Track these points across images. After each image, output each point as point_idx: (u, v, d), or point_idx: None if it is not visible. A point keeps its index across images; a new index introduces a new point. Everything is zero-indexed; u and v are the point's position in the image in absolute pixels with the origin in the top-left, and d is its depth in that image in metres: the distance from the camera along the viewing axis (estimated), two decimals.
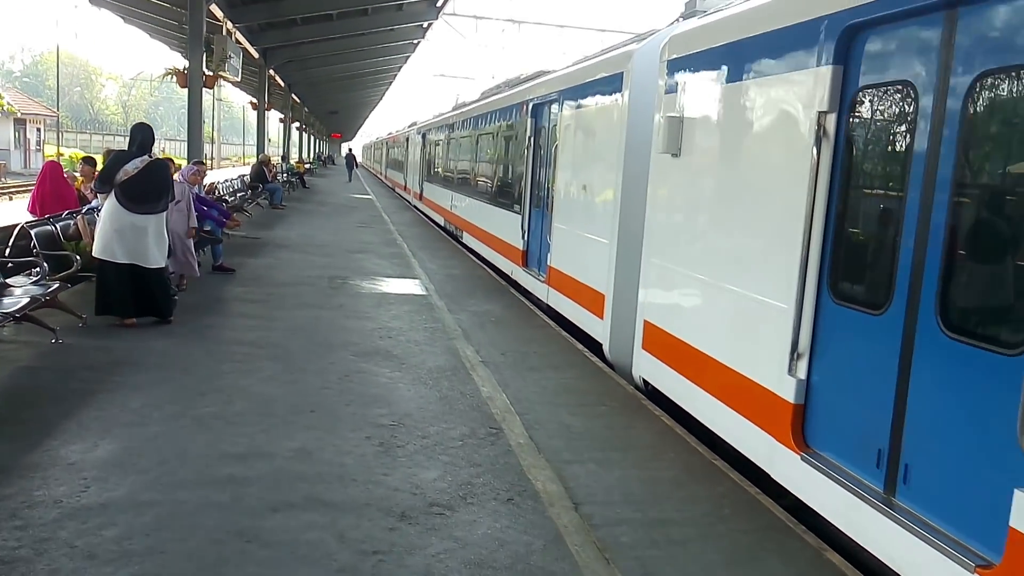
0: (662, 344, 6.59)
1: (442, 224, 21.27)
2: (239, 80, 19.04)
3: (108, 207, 7.62)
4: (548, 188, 10.99)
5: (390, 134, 59.36)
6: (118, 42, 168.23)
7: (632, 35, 9.76)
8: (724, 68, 5.72)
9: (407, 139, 34.55)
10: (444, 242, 17.83)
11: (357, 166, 54.39)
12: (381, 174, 57.34)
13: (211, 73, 15.43)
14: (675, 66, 6.58)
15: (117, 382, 6.00)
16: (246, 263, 12.26)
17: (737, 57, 5.56)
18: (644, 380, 7.05)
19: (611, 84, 8.32)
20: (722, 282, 5.58)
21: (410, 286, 11.32)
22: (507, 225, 13.08)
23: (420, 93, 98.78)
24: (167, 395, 5.76)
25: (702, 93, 6.08)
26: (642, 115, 7.75)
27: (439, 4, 24.40)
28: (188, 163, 11.67)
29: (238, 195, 19.77)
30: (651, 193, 6.98)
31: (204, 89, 15.36)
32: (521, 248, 12.08)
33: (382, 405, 5.88)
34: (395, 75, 42.99)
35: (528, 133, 11.92)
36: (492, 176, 14.75)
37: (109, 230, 7.57)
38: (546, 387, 6.69)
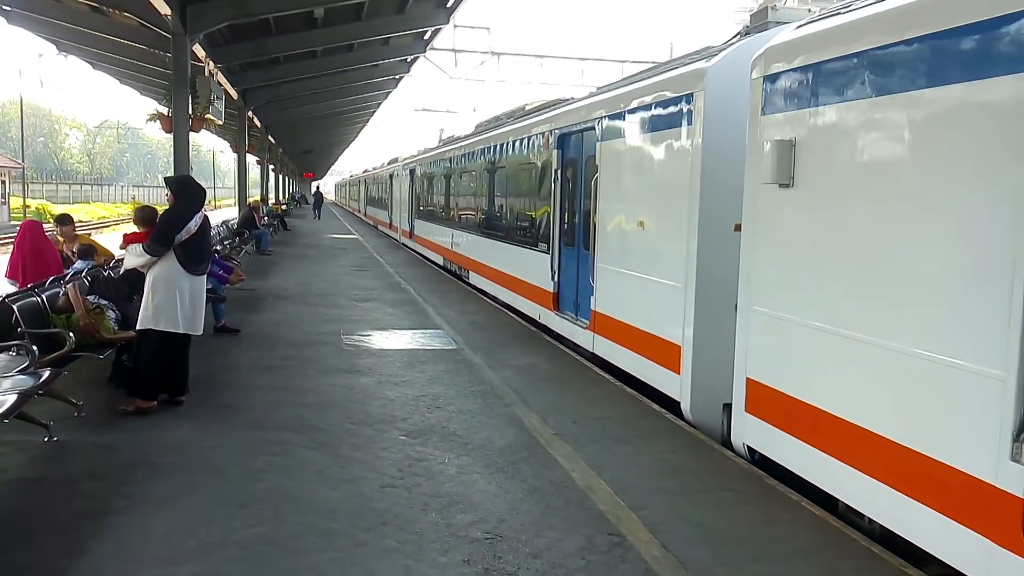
0: (780, 408, 5.55)
1: (441, 263, 20.21)
2: (222, 123, 17.95)
3: (164, 271, 6.64)
4: (585, 225, 9.99)
5: (367, 171, 58.50)
6: (82, 90, 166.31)
7: (672, 60, 8.84)
8: (864, 79, 4.75)
9: (391, 175, 33.54)
10: (450, 283, 16.75)
11: (323, 203, 54.71)
12: (359, 212, 56.23)
13: (197, 116, 14.33)
14: (778, 81, 5.62)
15: (132, 495, 4.83)
16: (249, 320, 11.09)
17: (884, 65, 4.60)
18: (749, 447, 6.01)
19: (675, 106, 7.36)
20: (883, 339, 4.56)
21: (436, 339, 10.21)
22: (530, 265, 12.05)
23: (397, 129, 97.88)
24: (198, 511, 4.60)
25: (828, 111, 5.11)
26: (722, 140, 6.79)
27: (426, 38, 23.65)
28: None
29: (226, 243, 18.57)
30: (749, 231, 5.98)
31: (191, 133, 14.28)
32: (551, 291, 11.05)
33: (465, 508, 4.76)
34: (373, 112, 42.16)
35: (554, 165, 10.95)
36: (506, 212, 13.74)
37: (166, 296, 6.63)
38: (646, 466, 5.61)
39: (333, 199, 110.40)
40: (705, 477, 5.43)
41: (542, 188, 11.70)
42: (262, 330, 10.48)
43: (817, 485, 5.19)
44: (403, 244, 28.45)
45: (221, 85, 18.43)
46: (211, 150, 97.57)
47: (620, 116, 8.63)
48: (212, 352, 8.90)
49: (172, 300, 6.59)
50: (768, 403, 5.73)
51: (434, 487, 5.08)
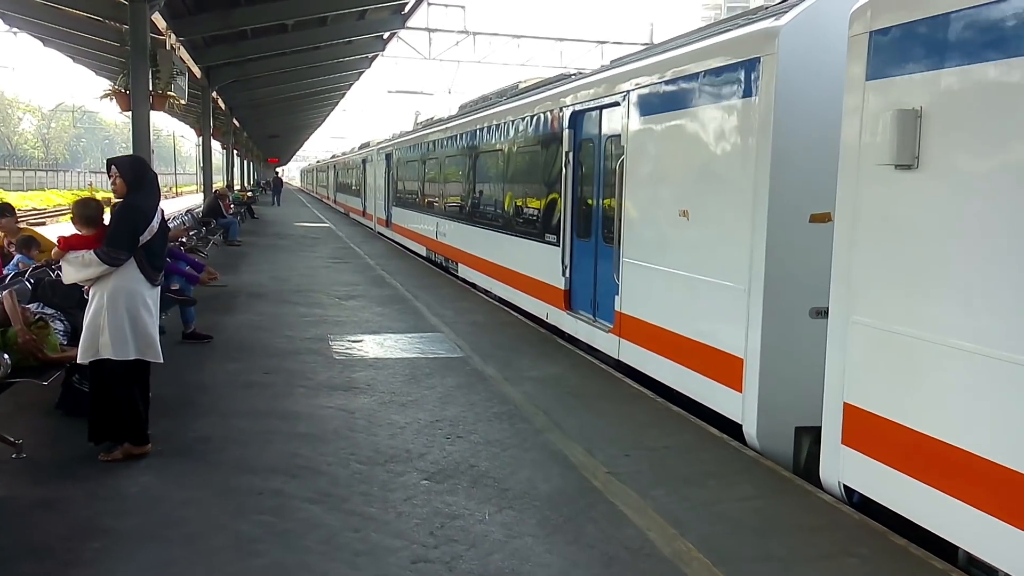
0: (896, 444, 4.48)
1: (424, 254, 18.97)
2: (185, 102, 16.48)
3: (123, 283, 5.25)
4: (605, 214, 8.86)
5: (335, 156, 56.79)
6: (34, 71, 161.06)
7: (727, 19, 7.69)
8: None
9: (364, 161, 32.10)
10: (438, 276, 15.54)
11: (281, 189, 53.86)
12: (327, 198, 54.56)
13: (159, 93, 12.91)
14: (894, 36, 4.51)
15: None
16: (222, 324, 9.81)
17: None
18: (846, 487, 4.95)
19: (734, 74, 6.24)
20: None
21: (437, 345, 9.02)
22: (535, 259, 10.90)
23: (367, 112, 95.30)
24: None
25: (974, 72, 4.01)
26: (799, 114, 5.70)
27: (404, 11, 22.29)
28: None
29: (191, 234, 17.13)
30: (847, 223, 4.89)
31: (152, 112, 12.87)
32: (562, 288, 9.91)
33: None
34: (344, 94, 40.56)
35: (565, 147, 9.78)
36: (503, 200, 12.55)
37: (129, 315, 5.25)
38: (737, 521, 4.51)
39: (299, 186, 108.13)
40: (815, 536, 4.34)
41: (549, 173, 10.54)
42: (238, 336, 9.21)
43: (955, 543, 4.14)
44: (379, 233, 27.11)
45: (184, 61, 16.96)
46: (171, 134, 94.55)
47: (656, 89, 7.48)
48: (181, 365, 7.63)
49: (137, 320, 5.28)
50: (877, 436, 4.66)
51: (481, 560, 3.93)
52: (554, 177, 10.36)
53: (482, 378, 7.57)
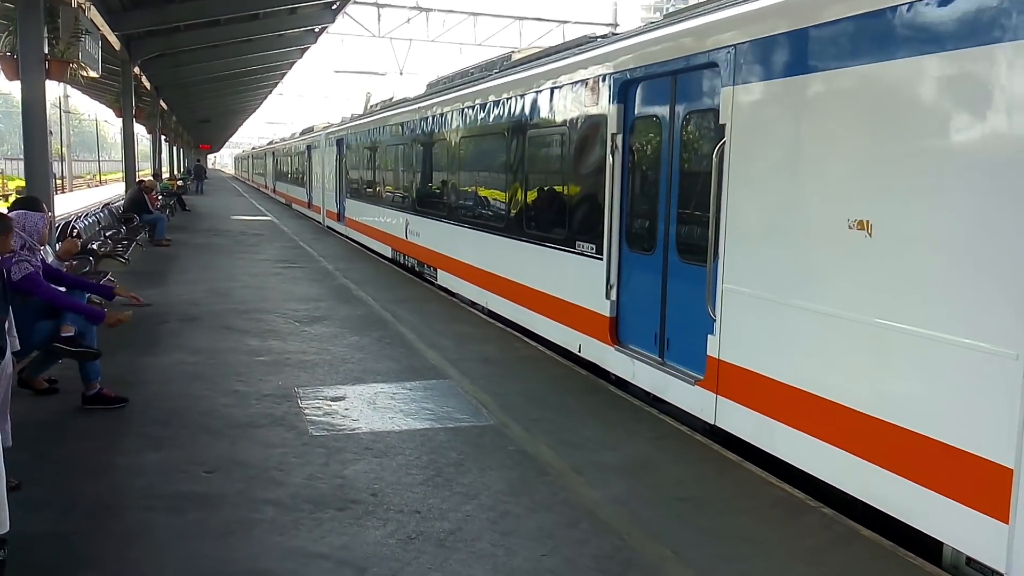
0: None
1: (389, 255, 16.26)
2: (98, 75, 13.43)
3: None
4: (688, 220, 6.43)
5: (272, 142, 53.17)
6: None
7: None
8: None
9: (309, 147, 29.04)
10: (414, 285, 12.89)
11: (206, 177, 51.77)
12: (266, 187, 50.93)
13: (58, 58, 9.98)
14: None
15: None
16: (142, 371, 7.07)
17: None
18: None
19: (965, 12, 3.84)
20: None
21: (450, 402, 6.45)
22: (561, 272, 8.41)
23: (309, 96, 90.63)
24: None
25: None
26: None
27: (335, 7, 20.03)
28: (15, 207, 6.27)
29: (107, 235, 14.11)
30: None
31: (49, 82, 9.96)
32: (606, 314, 7.45)
33: None
34: (279, 81, 37.33)
35: (611, 127, 7.29)
36: (508, 195, 9.98)
37: None
38: None
39: (232, 173, 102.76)
40: None
41: (579, 162, 8.04)
42: (165, 393, 6.47)
43: None
44: (329, 228, 24.20)
45: (95, 24, 13.88)
46: (94, 118, 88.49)
47: (797, 39, 5.02)
48: (67, 460, 4.94)
49: None
50: None
51: None
52: (589, 168, 7.88)
53: (540, 469, 5.05)
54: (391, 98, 19.87)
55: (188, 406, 6.12)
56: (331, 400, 6.36)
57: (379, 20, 33.29)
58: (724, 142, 5.70)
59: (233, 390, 6.57)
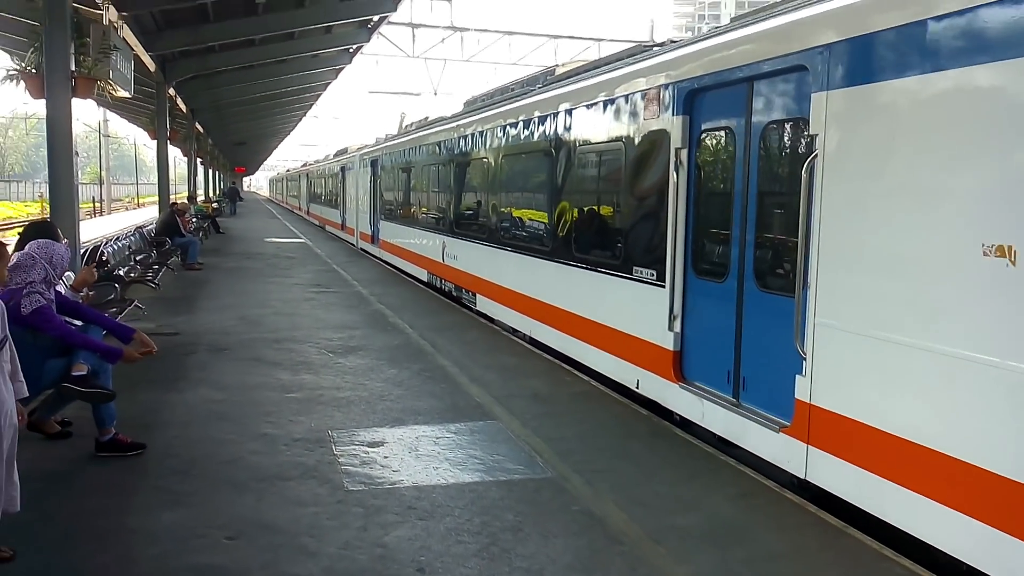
0: None
1: (425, 279, 15.67)
2: (130, 95, 13.07)
3: None
4: (769, 244, 5.72)
5: (306, 164, 53.27)
6: None
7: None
8: None
9: (343, 168, 28.72)
10: (452, 311, 12.26)
11: (240, 199, 51.89)
12: (299, 209, 50.91)
13: (85, 74, 9.56)
14: None
15: None
16: (163, 410, 6.49)
17: None
18: None
19: None
20: None
21: (500, 448, 5.76)
22: (616, 300, 7.72)
23: (343, 117, 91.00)
24: None
25: None
26: None
27: (371, 26, 19.76)
28: (29, 234, 5.75)
29: (137, 259, 13.70)
30: None
31: (87, 104, 9.58)
32: (669, 347, 6.73)
33: None
34: (313, 103, 37.28)
35: (675, 142, 6.61)
36: (553, 217, 9.32)
37: None
38: None
39: (267, 195, 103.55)
40: None
41: (636, 180, 7.38)
42: (186, 437, 5.87)
43: None
44: (363, 251, 23.73)
45: (128, 43, 13.56)
46: (134, 141, 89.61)
47: (916, 33, 4.31)
48: (79, 517, 4.33)
49: None
50: None
51: None
52: (647, 186, 7.21)
53: (611, 536, 4.33)
54: (426, 118, 19.39)
55: (211, 453, 5.50)
56: (368, 446, 5.71)
57: (413, 40, 33.10)
58: (815, 155, 5.00)
59: (261, 433, 5.95)
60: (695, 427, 6.44)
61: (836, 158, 4.85)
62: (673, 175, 6.65)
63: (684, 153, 6.57)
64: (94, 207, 55.03)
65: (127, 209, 62.99)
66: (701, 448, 5.90)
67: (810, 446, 5.10)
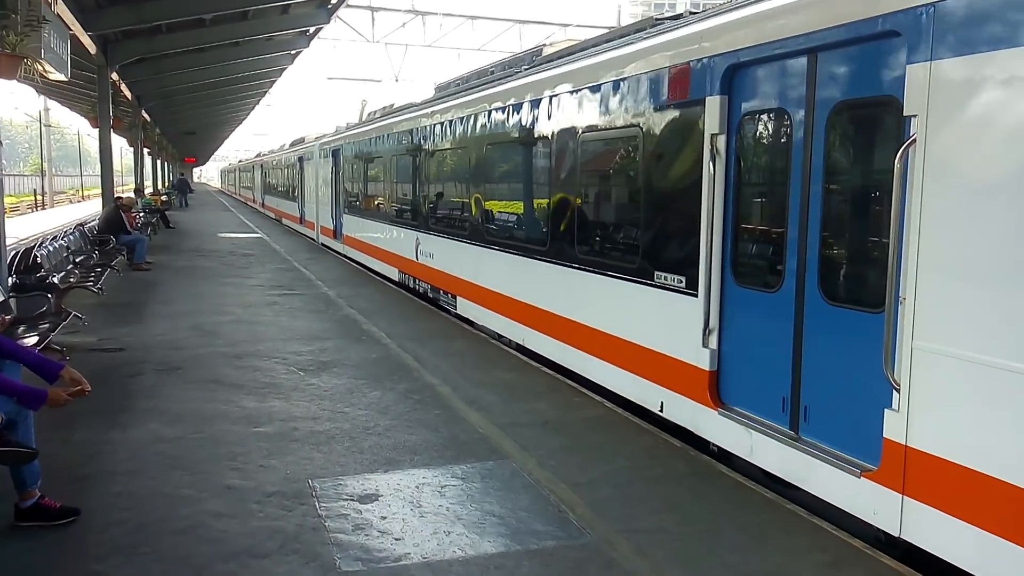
0: None
1: (396, 278, 14.54)
2: (67, 78, 11.69)
3: None
4: (842, 250, 4.80)
5: (260, 154, 51.43)
6: None
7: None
8: None
9: (301, 159, 27.33)
10: (432, 316, 11.19)
11: (191, 191, 49.43)
12: (253, 201, 49.10)
13: (9, 52, 8.27)
14: None
15: None
16: (100, 452, 5.34)
17: None
18: None
19: None
20: None
21: (518, 500, 4.74)
22: (634, 310, 6.74)
23: (298, 106, 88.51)
24: None
25: None
26: None
27: (331, 6, 18.55)
28: None
29: (77, 261, 12.35)
30: None
31: (23, 90, 8.28)
32: (704, 367, 5.78)
33: None
34: (267, 91, 35.65)
35: (710, 126, 5.64)
36: (551, 212, 8.30)
37: None
38: None
39: (219, 186, 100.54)
40: None
41: (660, 170, 6.40)
42: (130, 495, 4.73)
43: None
44: (324, 246, 22.47)
45: (63, 20, 12.16)
46: (78, 132, 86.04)
47: None
48: None
49: None
50: None
51: None
52: (672, 177, 6.24)
53: None
54: (392, 104, 18.19)
55: (163, 517, 4.39)
56: (360, 501, 4.65)
57: (373, 25, 31.79)
58: (912, 141, 4.06)
59: (225, 485, 4.85)
60: (734, 458, 5.52)
61: (943, 145, 3.92)
62: (708, 165, 5.67)
63: (721, 140, 5.60)
64: (36, 200, 52.45)
65: (71, 202, 60.27)
66: (758, 492, 4.96)
67: (906, 496, 4.18)
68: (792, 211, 5.03)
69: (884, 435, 4.28)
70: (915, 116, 4.06)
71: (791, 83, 5.06)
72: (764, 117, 5.41)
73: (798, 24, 4.91)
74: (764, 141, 5.46)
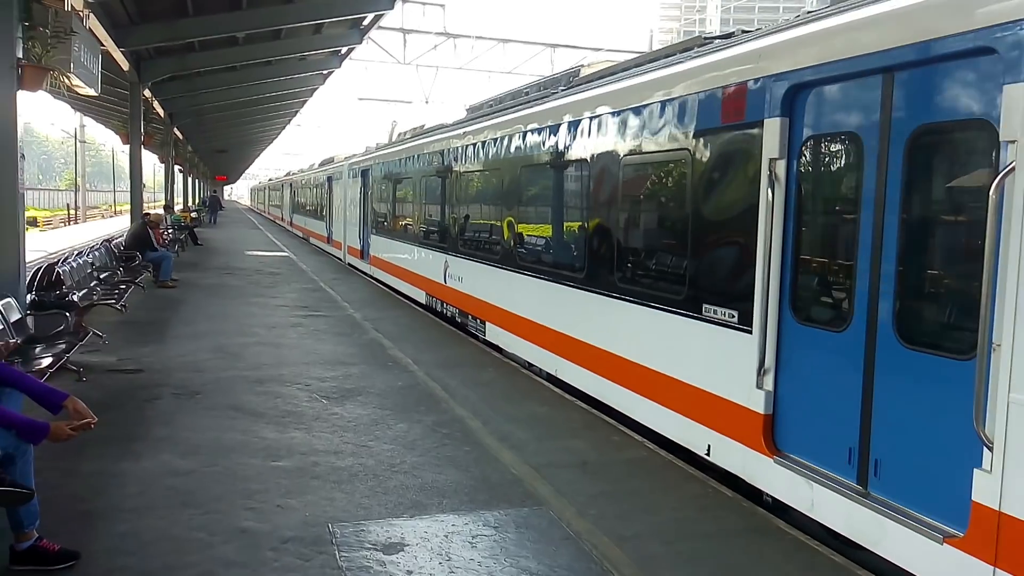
0: None
1: (423, 301, 14.19)
2: (97, 93, 11.55)
3: None
4: (925, 287, 4.36)
5: (290, 173, 51.69)
6: None
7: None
8: None
9: (330, 178, 27.23)
10: (461, 342, 10.80)
11: (222, 208, 50.38)
12: (282, 220, 49.26)
13: (34, 62, 8.08)
14: None
15: None
16: (107, 485, 4.99)
17: None
18: None
19: None
20: None
21: (556, 556, 4.31)
22: (680, 345, 6.31)
23: (327, 126, 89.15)
24: None
25: None
26: None
27: (363, 26, 18.46)
28: None
29: (100, 278, 12.14)
30: None
31: (24, 91, 8.08)
32: (759, 410, 5.33)
33: None
34: (297, 111, 35.75)
35: (769, 151, 5.23)
36: (592, 239, 7.89)
37: None
38: None
39: (248, 204, 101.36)
40: None
41: (712, 196, 5.99)
42: (136, 537, 4.35)
43: None
44: (351, 266, 22.23)
45: (95, 35, 12.06)
46: (112, 148, 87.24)
47: None
48: None
49: None
50: None
51: None
52: (725, 205, 5.83)
53: None
54: (423, 125, 17.97)
55: (169, 565, 4.01)
56: (384, 551, 4.24)
57: (404, 47, 31.74)
58: (1010, 169, 3.63)
59: (240, 528, 4.47)
60: (790, 510, 5.06)
61: None
62: (766, 193, 5.26)
63: (781, 165, 5.19)
64: (69, 215, 53.09)
65: (103, 217, 60.93)
66: (823, 554, 4.48)
67: (998, 569, 3.71)
68: (863, 244, 4.59)
69: (973, 498, 3.81)
70: (1013, 142, 3.64)
71: (862, 105, 4.64)
72: (830, 141, 5.00)
73: (871, 41, 4.51)
74: (831, 167, 5.05)
